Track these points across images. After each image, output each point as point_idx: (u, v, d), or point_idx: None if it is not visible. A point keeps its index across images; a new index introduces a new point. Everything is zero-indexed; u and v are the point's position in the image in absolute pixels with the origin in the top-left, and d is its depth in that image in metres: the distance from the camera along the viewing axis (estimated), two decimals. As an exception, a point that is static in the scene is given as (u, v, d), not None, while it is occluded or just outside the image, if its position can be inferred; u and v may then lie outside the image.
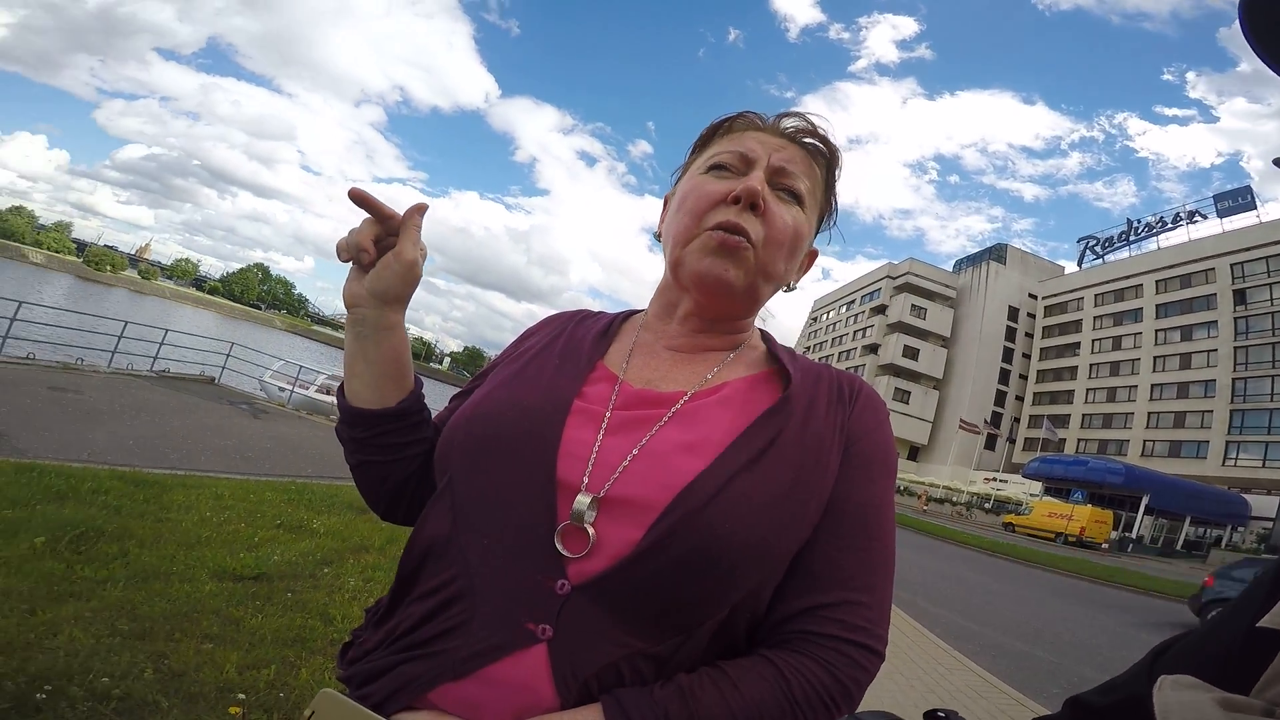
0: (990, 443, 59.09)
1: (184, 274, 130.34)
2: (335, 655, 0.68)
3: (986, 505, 43.29)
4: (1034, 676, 5.67)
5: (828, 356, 79.72)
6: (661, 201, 0.84)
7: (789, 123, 0.76)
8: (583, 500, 0.58)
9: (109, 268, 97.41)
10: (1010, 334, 65.51)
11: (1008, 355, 65.28)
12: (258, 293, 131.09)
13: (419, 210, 0.68)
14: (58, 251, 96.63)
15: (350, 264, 0.69)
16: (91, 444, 6.35)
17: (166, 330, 13.97)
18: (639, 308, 0.85)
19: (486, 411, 0.67)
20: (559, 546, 0.57)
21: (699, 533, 0.56)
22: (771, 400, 0.67)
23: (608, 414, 0.65)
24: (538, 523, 0.59)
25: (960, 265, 73.79)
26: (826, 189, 0.77)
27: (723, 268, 0.68)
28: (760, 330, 0.81)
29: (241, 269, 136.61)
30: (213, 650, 2.58)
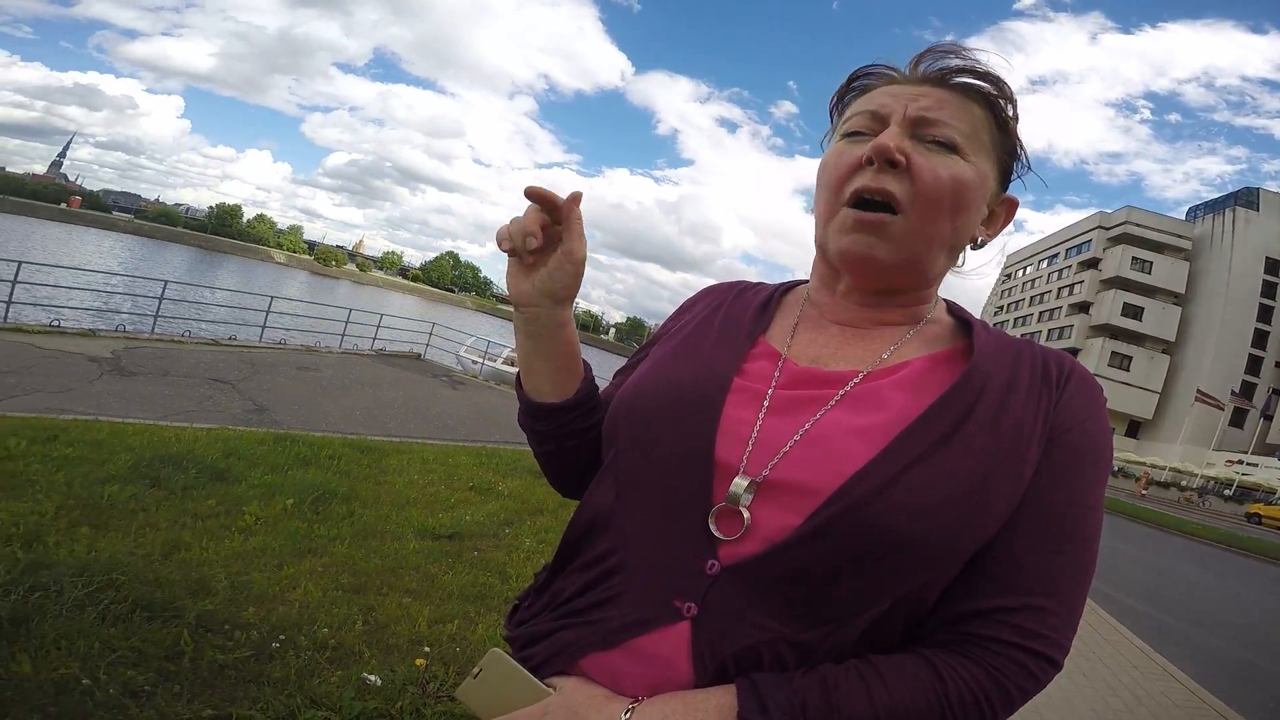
0: (1238, 418, 49.17)
1: (391, 265, 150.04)
2: (506, 613, 0.73)
3: (1226, 492, 36.74)
4: (1255, 692, 4.71)
5: (1026, 316, 71.56)
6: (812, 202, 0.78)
7: (927, 64, 0.66)
8: (740, 483, 0.57)
9: (333, 263, 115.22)
10: (1270, 290, 53.27)
11: (1265, 314, 53.27)
12: (450, 277, 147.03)
13: (576, 200, 0.67)
14: (294, 251, 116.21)
15: (509, 255, 0.68)
16: (328, 415, 7.59)
17: (381, 315, 16.16)
18: (802, 278, 0.80)
19: (647, 388, 0.67)
20: (712, 528, 0.57)
21: (863, 525, 0.52)
22: (962, 380, 0.60)
23: (770, 393, 0.62)
24: (693, 502, 0.58)
25: (1195, 213, 61.82)
26: (999, 128, 0.65)
27: (866, 245, 0.62)
28: (947, 301, 0.73)
29: (436, 257, 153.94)
30: (410, 604, 2.92)
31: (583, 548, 0.65)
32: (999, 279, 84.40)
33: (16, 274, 9.26)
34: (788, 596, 0.54)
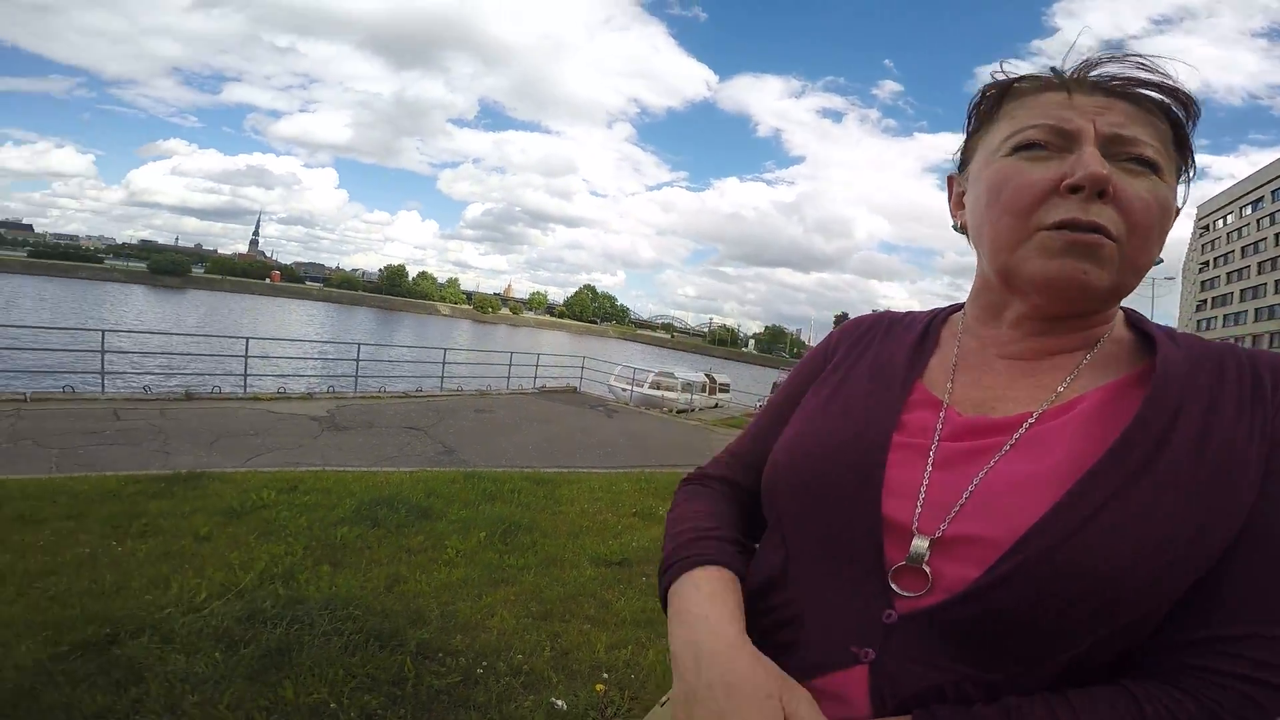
0: None
1: (538, 304, 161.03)
2: None
3: None
4: None
5: (1240, 270, 60.82)
6: (945, 180, 0.71)
7: (1107, 70, 0.59)
8: (920, 544, 0.56)
9: (490, 309, 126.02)
10: None
11: None
12: (591, 309, 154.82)
13: None
14: (456, 302, 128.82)
15: None
16: (505, 452, 8.23)
17: (538, 354, 17.34)
18: (957, 302, 0.74)
19: (804, 450, 0.65)
20: (894, 586, 0.56)
21: (1048, 575, 0.50)
22: (1145, 409, 0.54)
23: (933, 447, 0.60)
24: (866, 560, 0.58)
25: None
26: (1178, 144, 0.59)
27: (1079, 270, 0.56)
28: (1126, 311, 0.65)
29: (576, 292, 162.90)
30: (589, 630, 3.02)
31: (756, 604, 0.64)
32: (1194, 232, 72.76)
33: (247, 349, 11.21)
34: (971, 642, 0.53)
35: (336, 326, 56.42)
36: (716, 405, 21.01)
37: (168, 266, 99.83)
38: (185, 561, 3.28)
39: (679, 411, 16.44)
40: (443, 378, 14.09)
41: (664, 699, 0.64)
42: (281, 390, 11.06)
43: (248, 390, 10.65)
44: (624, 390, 17.51)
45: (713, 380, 21.89)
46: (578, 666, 2.65)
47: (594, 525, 4.85)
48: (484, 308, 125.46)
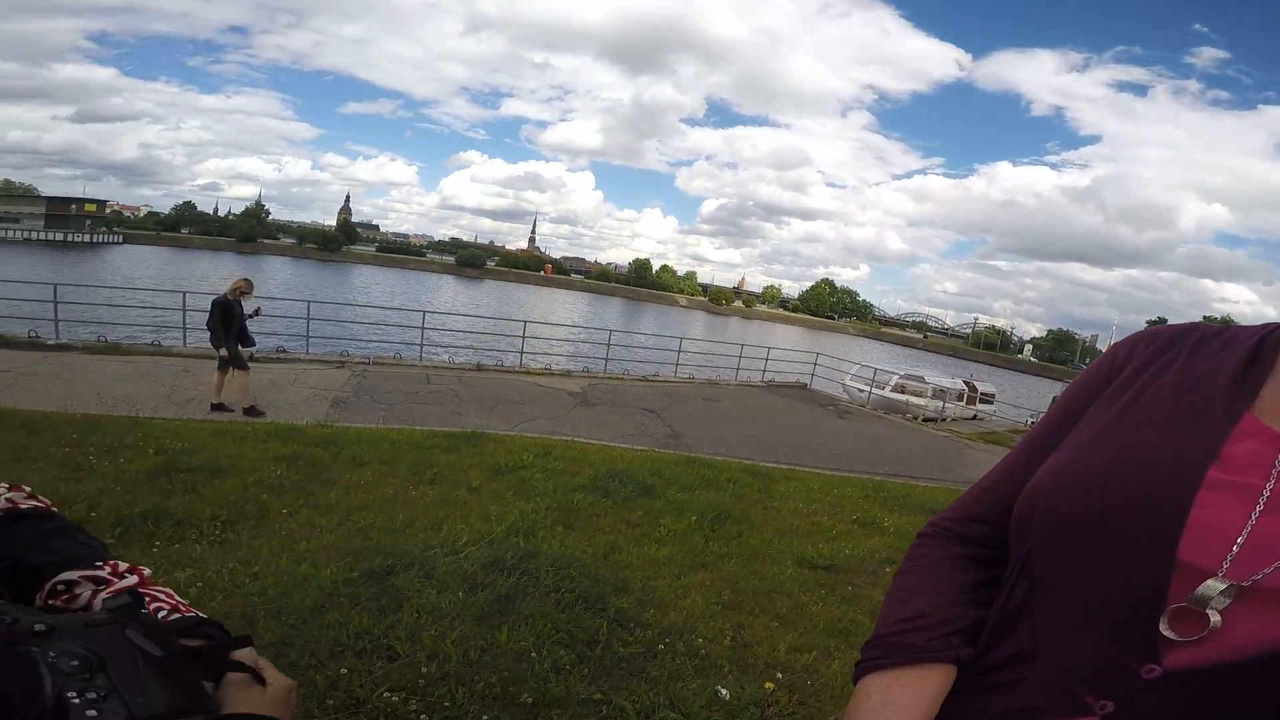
0: None
1: (771, 298, 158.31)
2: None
3: None
4: None
5: None
6: None
7: None
8: (1214, 585, 0.48)
9: (724, 302, 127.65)
10: None
11: None
12: (829, 304, 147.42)
13: None
14: (693, 294, 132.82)
15: None
16: (728, 441, 8.41)
17: (769, 348, 17.25)
18: None
19: (1081, 475, 0.57)
20: (1163, 628, 0.49)
21: None
22: None
23: (1268, 487, 0.50)
24: (1136, 600, 0.51)
25: None
26: None
27: None
28: None
29: (812, 286, 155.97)
30: (775, 628, 2.96)
31: (988, 640, 0.60)
32: None
33: (524, 330, 13.14)
34: (1255, 713, 0.46)
35: (593, 314, 62.58)
36: (975, 417, 18.45)
37: (469, 260, 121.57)
38: (456, 509, 4.00)
39: (925, 420, 14.92)
40: (677, 365, 14.86)
41: (834, 717, 0.66)
42: (547, 367, 12.80)
43: (522, 365, 12.51)
44: (861, 391, 16.50)
45: (972, 389, 19.22)
46: (753, 660, 2.65)
47: (806, 526, 4.75)
48: (718, 300, 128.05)
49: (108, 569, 0.58)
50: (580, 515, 4.15)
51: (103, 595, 0.56)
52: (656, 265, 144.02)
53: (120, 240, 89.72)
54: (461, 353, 14.31)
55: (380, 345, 13.39)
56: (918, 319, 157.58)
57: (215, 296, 6.83)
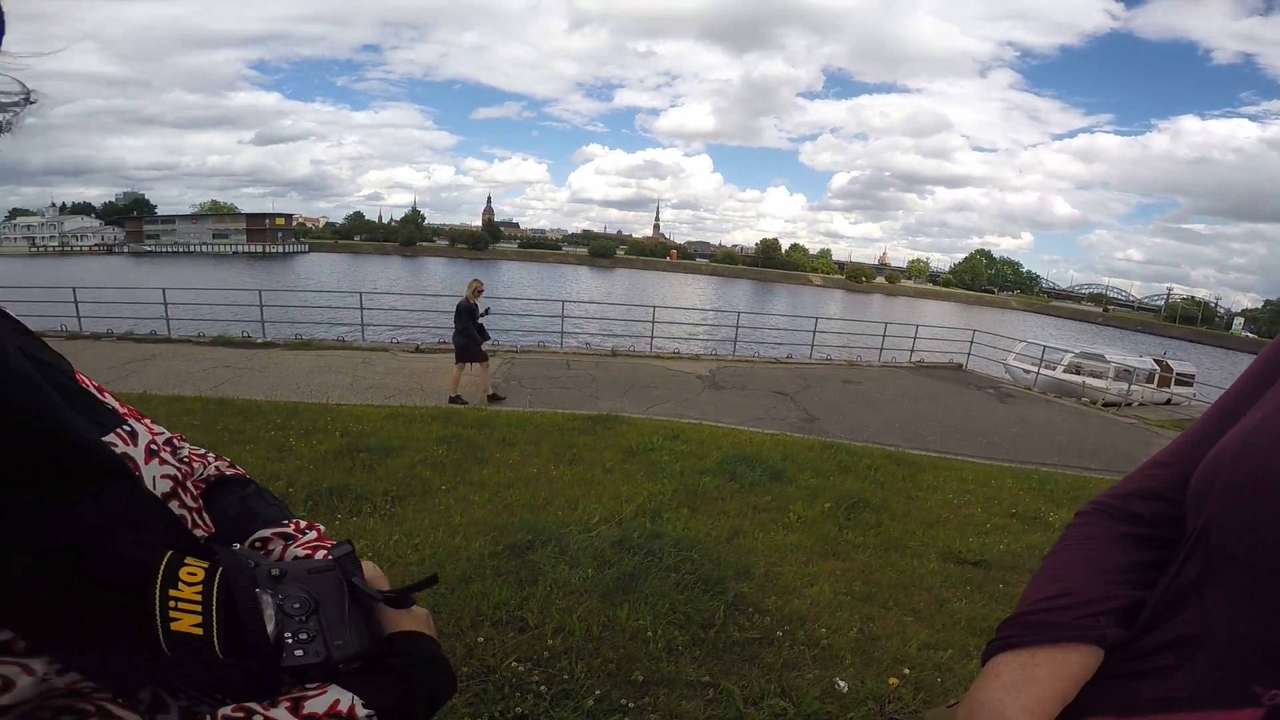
0: None
1: (918, 272, 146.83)
2: None
3: None
4: None
5: None
6: None
7: None
8: None
9: (864, 279, 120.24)
10: None
11: None
12: (987, 277, 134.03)
13: None
14: (828, 273, 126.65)
15: None
16: (869, 426, 8.00)
17: (917, 326, 16.06)
18: None
19: (1275, 435, 0.52)
20: None
21: None
22: None
23: None
24: None
25: None
26: None
27: None
28: None
29: (966, 258, 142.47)
30: (909, 623, 2.78)
31: (1147, 624, 0.55)
32: None
33: (654, 316, 13.36)
34: None
35: (720, 296, 62.04)
36: (1169, 401, 15.77)
37: (600, 250, 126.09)
38: (591, 488, 4.20)
39: (1106, 404, 13.10)
40: (812, 346, 14.33)
41: (953, 701, 0.62)
42: (676, 351, 12.94)
43: (653, 349, 12.76)
44: (1026, 372, 14.86)
45: (1166, 369, 16.39)
46: (879, 655, 2.52)
47: (955, 518, 4.41)
48: (857, 277, 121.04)
49: (293, 526, 0.69)
50: (706, 498, 4.17)
51: (293, 549, 0.66)
52: (786, 245, 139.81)
53: (306, 249, 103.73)
54: (597, 339, 14.89)
55: (526, 334, 14.30)
56: (1095, 290, 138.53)
57: (459, 301, 7.77)
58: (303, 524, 0.70)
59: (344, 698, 0.49)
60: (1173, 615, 0.52)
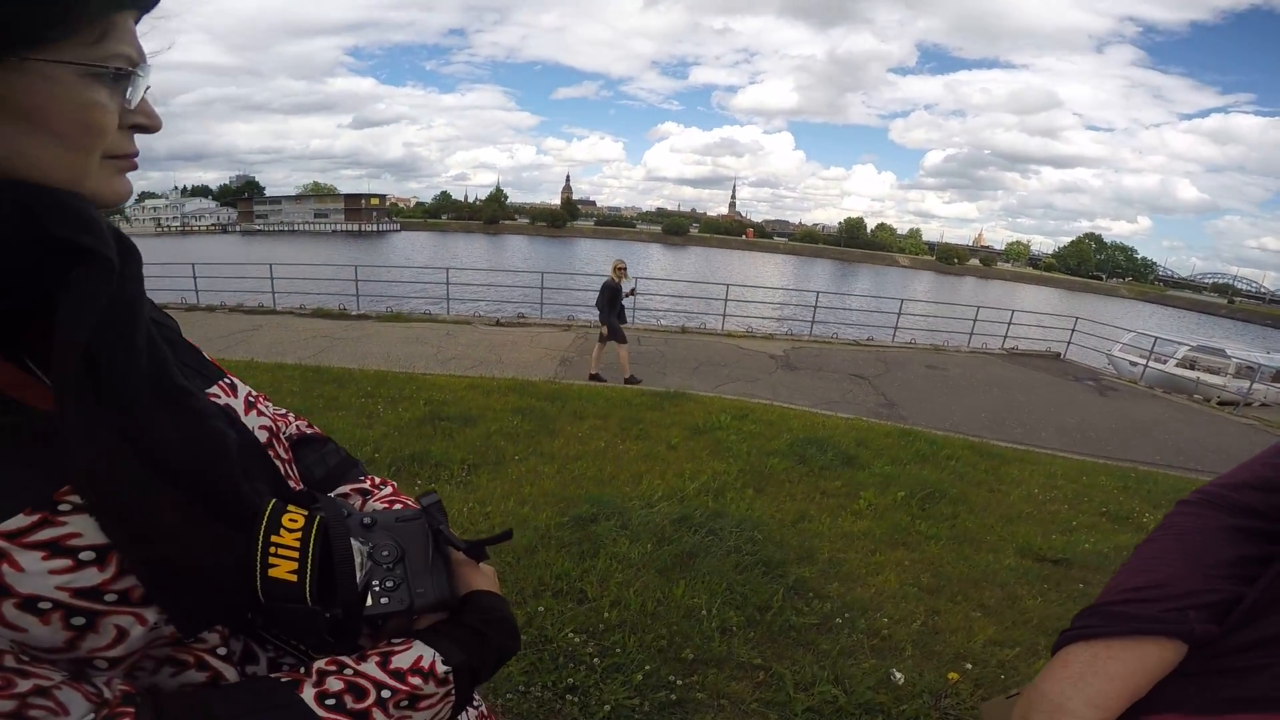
0: None
1: (1017, 256, 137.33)
2: None
3: None
4: None
5: None
6: None
7: None
8: None
9: (955, 260, 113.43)
10: None
11: None
12: (1095, 263, 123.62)
13: None
14: (916, 254, 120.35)
15: None
16: (953, 415, 7.63)
17: (1012, 311, 15.06)
18: None
19: None
20: None
21: None
22: None
23: None
24: None
25: None
26: None
27: None
28: None
29: (1072, 241, 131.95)
30: (977, 619, 2.66)
31: (1238, 623, 0.52)
32: None
33: (727, 294, 13.18)
34: None
35: (797, 276, 60.32)
36: (1298, 403, 14.24)
37: (674, 228, 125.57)
38: (655, 464, 4.24)
39: (1221, 403, 11.88)
40: (895, 329, 13.75)
41: (1013, 692, 0.60)
42: (749, 329, 12.77)
43: (724, 328, 12.64)
44: (1133, 365, 13.64)
45: None
46: (941, 649, 2.43)
47: (1039, 514, 4.16)
48: (949, 258, 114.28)
49: (369, 482, 0.74)
50: (772, 480, 4.13)
51: (371, 503, 0.70)
52: (872, 224, 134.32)
53: (398, 228, 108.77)
54: (667, 316, 14.89)
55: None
56: (1221, 280, 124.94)
57: (605, 280, 7.72)
58: (377, 480, 0.74)
59: (426, 654, 0.52)
60: (1268, 614, 0.49)
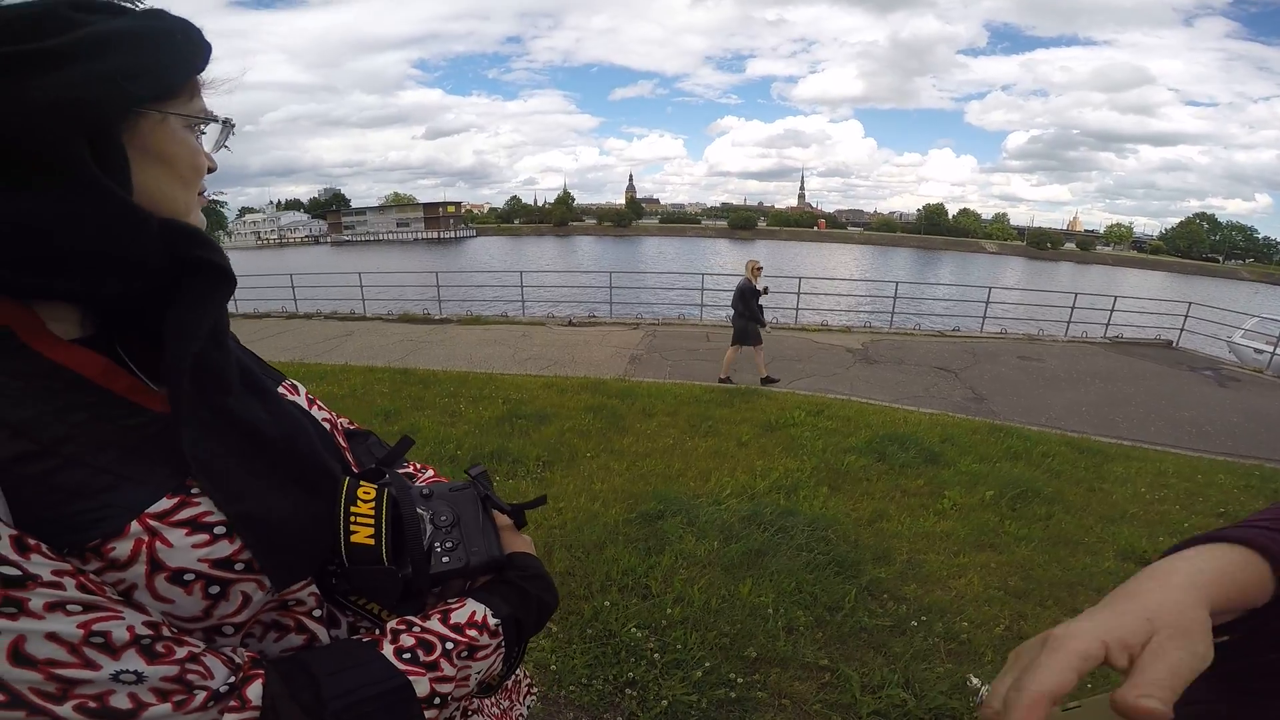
0: None
1: (1119, 239, 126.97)
2: None
3: None
4: None
5: None
6: None
7: None
8: None
9: (1049, 245, 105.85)
10: None
11: None
12: (1209, 244, 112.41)
13: None
14: (1004, 239, 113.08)
15: None
16: (1049, 409, 7.14)
17: (1115, 297, 13.94)
18: None
19: None
20: None
21: None
22: None
23: None
24: None
25: None
26: None
27: None
28: None
29: (1181, 222, 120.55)
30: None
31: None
32: None
33: (799, 287, 12.88)
34: None
35: (875, 266, 58.02)
36: None
37: (740, 222, 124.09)
38: (725, 461, 4.22)
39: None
40: (984, 318, 13.00)
41: (1075, 703, 0.60)
42: (824, 323, 12.43)
43: (797, 321, 12.37)
44: (1259, 352, 12.28)
45: None
46: None
47: (1146, 514, 3.84)
48: (1041, 243, 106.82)
49: (412, 467, 0.82)
50: (849, 478, 4.01)
51: (418, 483, 0.75)
52: (953, 209, 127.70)
53: (474, 234, 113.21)
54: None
55: (668, 307, 14.54)
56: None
57: (740, 281, 7.36)
58: (419, 465, 0.83)
59: (478, 609, 0.59)
60: None
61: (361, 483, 0.59)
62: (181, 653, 0.43)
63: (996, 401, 7.36)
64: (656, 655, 2.19)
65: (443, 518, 0.63)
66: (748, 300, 7.23)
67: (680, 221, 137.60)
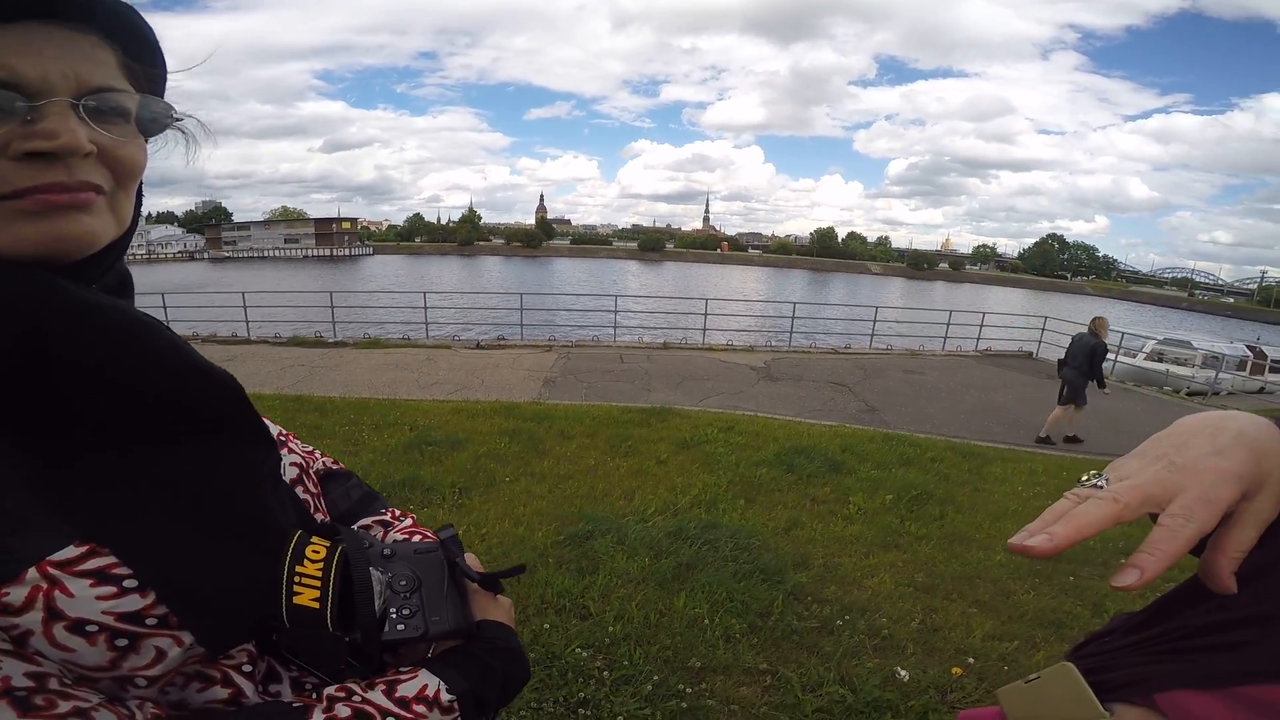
0: None
1: (984, 258, 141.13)
2: (1073, 645, 0.63)
3: None
4: None
5: None
6: None
7: None
8: None
9: (925, 265, 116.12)
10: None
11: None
12: (1059, 262, 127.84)
13: None
14: (887, 260, 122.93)
15: None
16: (933, 417, 7.76)
17: (983, 314, 15.41)
18: None
19: None
20: None
21: None
22: None
23: None
24: None
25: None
26: None
27: None
28: None
29: (1036, 242, 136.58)
30: (973, 615, 2.73)
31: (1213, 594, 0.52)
32: None
33: (706, 308, 13.31)
34: None
35: (774, 288, 61.01)
36: (1262, 390, 14.73)
37: (650, 244, 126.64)
38: (647, 479, 4.26)
39: (1190, 393, 12.27)
40: (872, 336, 13.97)
41: (1034, 675, 0.63)
42: (729, 343, 12.86)
43: (705, 342, 12.73)
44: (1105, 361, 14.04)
45: (1260, 355, 15.32)
46: (941, 645, 2.49)
47: (1026, 510, 4.26)
48: (918, 264, 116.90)
49: (390, 515, 0.77)
50: (762, 489, 4.17)
51: (392, 534, 0.72)
52: (842, 233, 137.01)
53: (371, 252, 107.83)
54: (649, 332, 14.97)
55: (580, 329, 14.53)
56: (1179, 274, 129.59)
57: (1082, 337, 7.00)
58: (398, 512, 0.77)
59: (431, 682, 0.54)
60: (1244, 586, 0.48)
61: (312, 539, 0.54)
62: (64, 707, 0.39)
63: (887, 412, 7.90)
64: (605, 673, 2.19)
65: (402, 582, 0.58)
66: (1096, 360, 6.82)
67: (591, 243, 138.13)
